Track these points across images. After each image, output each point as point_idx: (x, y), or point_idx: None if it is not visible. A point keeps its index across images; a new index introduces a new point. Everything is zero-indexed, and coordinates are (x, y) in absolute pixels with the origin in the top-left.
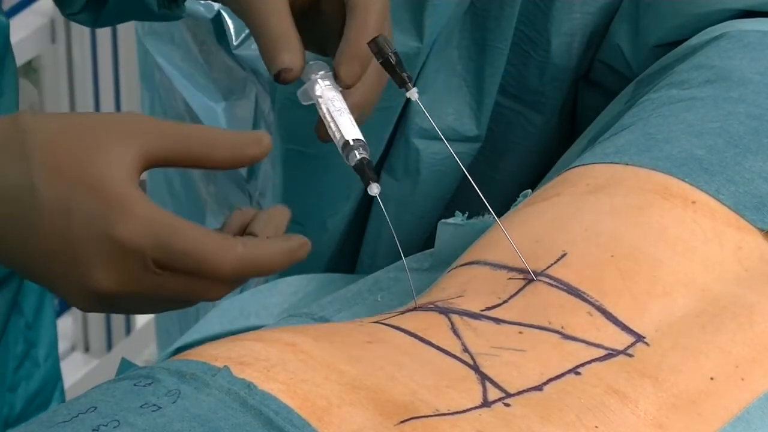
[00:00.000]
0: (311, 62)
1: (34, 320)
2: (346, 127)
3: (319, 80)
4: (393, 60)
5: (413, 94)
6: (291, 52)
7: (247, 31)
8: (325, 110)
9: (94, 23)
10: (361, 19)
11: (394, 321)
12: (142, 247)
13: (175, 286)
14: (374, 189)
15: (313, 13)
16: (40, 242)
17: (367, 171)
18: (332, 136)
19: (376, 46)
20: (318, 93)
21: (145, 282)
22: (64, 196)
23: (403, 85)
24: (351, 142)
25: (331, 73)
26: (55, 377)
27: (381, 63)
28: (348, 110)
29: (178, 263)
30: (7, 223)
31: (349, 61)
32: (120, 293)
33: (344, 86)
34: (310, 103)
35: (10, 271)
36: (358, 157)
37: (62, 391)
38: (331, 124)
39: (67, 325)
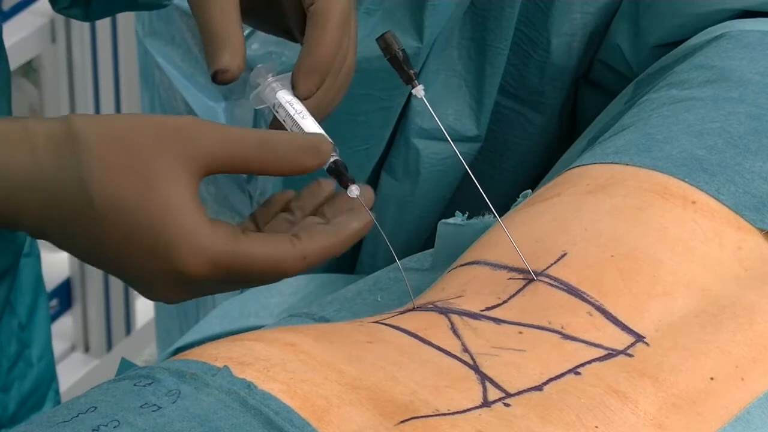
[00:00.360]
0: (259, 66)
1: (27, 321)
2: (311, 130)
3: (273, 84)
4: (400, 56)
5: (419, 91)
6: (230, 52)
7: (247, 31)
8: (284, 115)
9: (86, 17)
10: (320, 29)
11: (394, 321)
12: (203, 275)
13: (242, 286)
14: (354, 191)
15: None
16: (105, 254)
17: (344, 173)
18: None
19: (384, 43)
20: (275, 97)
21: (210, 290)
22: (123, 219)
23: (409, 81)
24: None
25: (283, 75)
26: (49, 378)
27: (388, 59)
28: (308, 112)
29: (243, 278)
30: (74, 234)
31: (307, 74)
32: (185, 301)
33: (302, 98)
34: (263, 106)
35: (6, 267)
36: (332, 159)
37: (57, 392)
38: (294, 128)
39: (67, 325)
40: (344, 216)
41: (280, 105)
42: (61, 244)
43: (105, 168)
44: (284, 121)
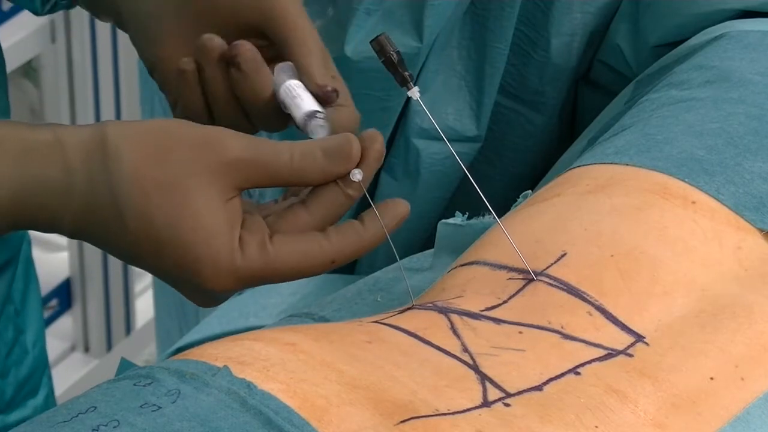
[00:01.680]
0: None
1: (21, 306)
2: (308, 100)
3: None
4: (395, 58)
5: (414, 93)
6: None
7: None
8: (284, 91)
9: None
10: (306, 50)
11: (393, 321)
12: (230, 289)
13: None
14: (356, 175)
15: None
16: (138, 260)
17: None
18: (293, 110)
19: (378, 45)
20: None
21: (238, 292)
22: (152, 233)
23: (404, 84)
24: (312, 114)
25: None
26: (43, 364)
27: (383, 61)
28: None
29: (271, 283)
30: (108, 240)
31: (323, 79)
32: (214, 306)
33: (327, 97)
34: None
35: (9, 257)
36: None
37: (50, 378)
38: (296, 100)
39: (67, 325)
40: (373, 214)
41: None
42: (98, 246)
43: (135, 182)
44: (283, 95)
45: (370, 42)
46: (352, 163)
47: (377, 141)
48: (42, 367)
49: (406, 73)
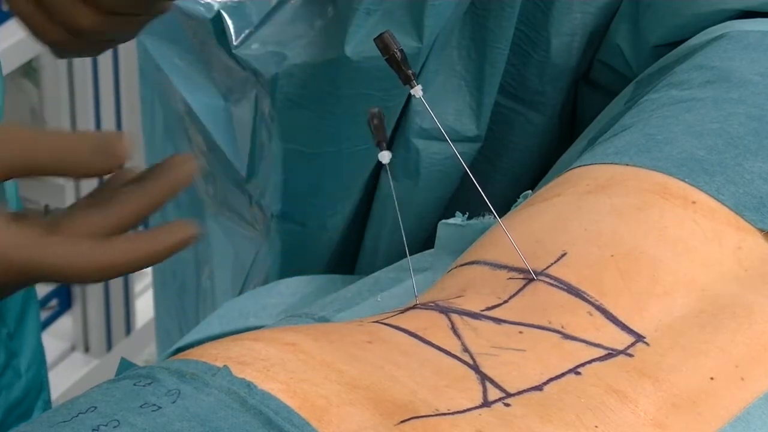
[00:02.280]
0: None
1: (15, 330)
2: None
3: None
4: (398, 56)
5: (417, 91)
6: None
7: (247, 30)
8: None
9: None
10: None
11: (394, 321)
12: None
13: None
14: (385, 157)
15: None
16: None
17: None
18: None
19: (382, 43)
20: None
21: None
22: None
23: (407, 82)
24: None
25: None
26: (37, 388)
27: (386, 59)
28: None
29: (32, 281)
30: None
31: None
32: None
33: None
34: None
35: None
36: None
37: (46, 402)
38: None
39: (67, 325)
40: (152, 231)
41: None
42: None
43: None
44: None
45: (374, 39)
46: (118, 160)
47: (181, 168)
48: (36, 391)
49: (410, 71)
